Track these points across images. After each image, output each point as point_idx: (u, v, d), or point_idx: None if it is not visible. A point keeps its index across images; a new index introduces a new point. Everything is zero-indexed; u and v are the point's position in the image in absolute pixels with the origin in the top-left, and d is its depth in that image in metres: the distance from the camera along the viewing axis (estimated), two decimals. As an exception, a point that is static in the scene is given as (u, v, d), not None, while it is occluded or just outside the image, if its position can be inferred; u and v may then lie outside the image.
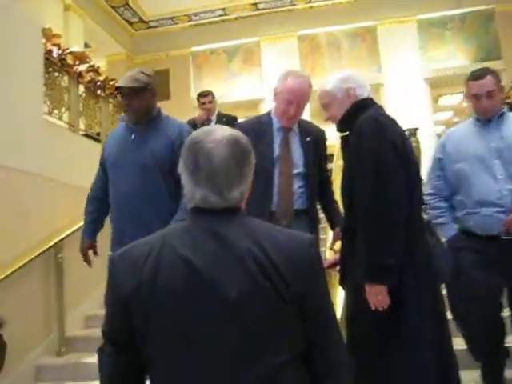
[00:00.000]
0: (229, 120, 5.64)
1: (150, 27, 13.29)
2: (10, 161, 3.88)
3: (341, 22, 12.59)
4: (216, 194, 1.20)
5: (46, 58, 4.57)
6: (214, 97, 6.02)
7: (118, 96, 5.87)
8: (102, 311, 5.02)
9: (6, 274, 3.67)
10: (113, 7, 12.10)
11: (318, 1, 12.72)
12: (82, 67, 5.02)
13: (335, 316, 1.24)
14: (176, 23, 13.23)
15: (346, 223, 2.48)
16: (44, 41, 4.54)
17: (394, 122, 2.41)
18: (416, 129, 9.49)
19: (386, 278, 2.15)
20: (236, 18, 13.15)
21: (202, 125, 5.22)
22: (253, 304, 1.09)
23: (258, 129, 2.94)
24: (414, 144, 9.75)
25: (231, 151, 1.21)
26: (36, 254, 4.03)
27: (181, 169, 1.27)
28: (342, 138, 2.59)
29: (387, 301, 2.17)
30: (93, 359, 4.03)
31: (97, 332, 4.38)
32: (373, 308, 2.19)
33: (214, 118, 5.18)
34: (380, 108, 2.56)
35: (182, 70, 13.21)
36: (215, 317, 1.10)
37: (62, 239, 4.37)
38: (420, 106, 11.45)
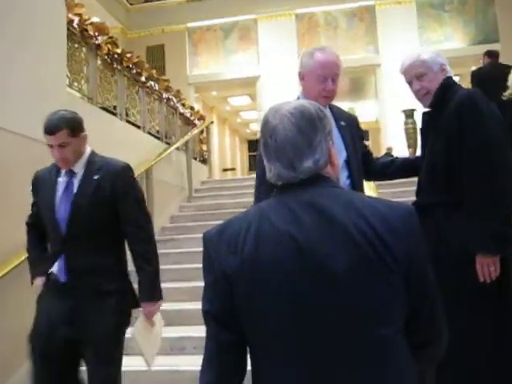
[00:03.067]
0: None
1: (146, 1, 13.12)
2: (33, 132, 3.81)
3: (339, 1, 12.50)
4: (287, 168, 1.19)
5: (67, 29, 4.46)
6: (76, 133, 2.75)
7: (133, 69, 5.82)
8: None
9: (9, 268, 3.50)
10: (108, -20, 11.93)
11: (317, -22, 12.60)
12: (101, 39, 4.91)
13: (436, 291, 1.22)
14: (172, -3, 13.07)
15: (435, 198, 2.43)
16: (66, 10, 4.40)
17: None
18: (413, 110, 9.52)
19: (504, 247, 2.19)
20: (233, -6, 13.00)
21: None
22: (362, 277, 1.08)
23: None
24: (410, 125, 9.87)
25: (295, 123, 1.19)
26: None
27: (260, 151, 1.28)
28: (425, 114, 2.58)
29: (498, 271, 2.20)
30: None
31: None
32: (481, 279, 2.20)
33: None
34: None
35: (177, 46, 13.09)
36: (324, 292, 1.09)
37: None
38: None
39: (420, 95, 2.54)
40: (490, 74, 6.33)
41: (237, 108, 17.12)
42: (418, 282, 1.14)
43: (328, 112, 2.75)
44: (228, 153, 17.81)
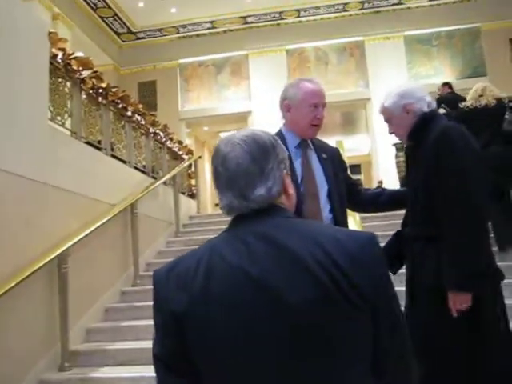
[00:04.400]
0: None
1: (138, 38, 13.30)
2: (12, 166, 3.76)
3: (329, 37, 12.70)
4: (239, 198, 1.13)
5: (51, 63, 4.43)
6: None
7: (119, 104, 5.82)
8: (104, 324, 4.83)
9: (11, 285, 3.53)
10: (101, 18, 12.11)
11: (307, 15, 12.82)
12: (86, 73, 4.90)
13: (404, 322, 1.14)
14: (164, 35, 13.26)
15: (415, 231, 2.42)
16: (49, 45, 4.40)
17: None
18: (403, 143, 9.53)
19: (477, 285, 2.16)
20: (224, 31, 13.20)
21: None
22: (320, 311, 1.01)
23: None
24: (401, 159, 9.87)
25: (247, 150, 1.14)
26: (40, 264, 3.84)
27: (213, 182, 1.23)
28: (408, 148, 2.60)
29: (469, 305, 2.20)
30: (98, 374, 3.95)
31: (100, 345, 4.36)
32: (454, 315, 2.17)
33: None
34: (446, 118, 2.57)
35: (169, 82, 13.22)
36: (282, 328, 1.01)
37: (67, 249, 4.21)
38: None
39: (396, 137, 2.62)
40: (451, 97, 7.57)
41: (229, 143, 17.14)
42: (383, 317, 1.07)
43: (310, 144, 2.71)
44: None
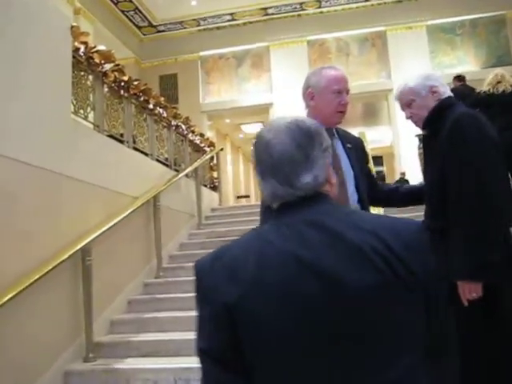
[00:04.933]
0: None
1: (158, 31, 13.33)
2: (36, 160, 3.81)
3: (350, 28, 12.58)
4: (284, 185, 1.10)
5: (73, 57, 4.48)
6: None
7: (141, 97, 5.85)
8: (127, 315, 4.87)
9: (35, 277, 3.59)
10: (122, 11, 12.16)
11: (328, 6, 12.71)
12: (108, 66, 4.93)
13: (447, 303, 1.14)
14: (184, 28, 13.26)
15: (431, 224, 2.36)
16: (72, 39, 4.44)
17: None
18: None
19: (491, 274, 2.13)
20: (245, 23, 13.16)
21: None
22: (379, 297, 0.98)
23: None
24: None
25: (292, 136, 1.11)
26: (65, 256, 3.90)
27: (254, 170, 1.18)
28: (424, 137, 2.55)
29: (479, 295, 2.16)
30: (121, 365, 3.98)
31: (124, 337, 4.41)
32: (465, 304, 2.15)
33: None
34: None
35: (190, 75, 13.22)
36: (338, 317, 0.98)
37: (91, 241, 4.26)
38: (430, 112, 11.39)
39: (413, 121, 2.53)
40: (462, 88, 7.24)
41: (250, 135, 17.15)
42: (435, 302, 1.06)
43: (335, 133, 2.67)
44: (242, 180, 17.82)
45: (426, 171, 2.56)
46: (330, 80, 2.52)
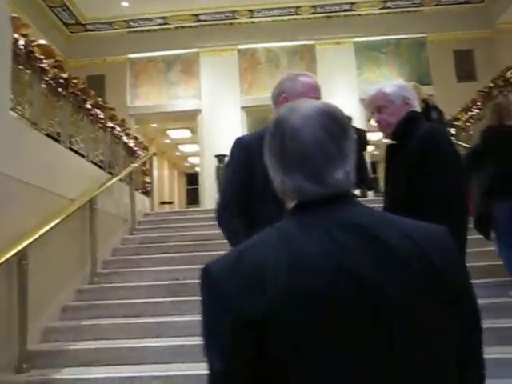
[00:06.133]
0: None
1: (86, 30, 12.92)
2: None
3: (281, 39, 12.78)
4: (312, 180, 0.97)
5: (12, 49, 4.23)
6: None
7: (79, 96, 5.63)
8: (63, 323, 4.57)
9: None
10: (49, 7, 11.70)
11: (260, 16, 12.86)
12: (48, 62, 4.69)
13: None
14: (114, 28, 12.94)
15: None
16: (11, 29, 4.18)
17: None
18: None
19: None
20: (176, 28, 13.04)
21: None
22: (419, 303, 0.92)
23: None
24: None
25: (324, 124, 0.99)
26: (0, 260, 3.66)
27: (267, 159, 1.04)
28: (391, 146, 2.61)
29: None
30: (59, 375, 3.77)
31: (60, 345, 4.15)
32: None
33: None
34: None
35: (118, 77, 12.89)
36: (379, 323, 0.91)
37: (27, 246, 3.99)
38: (356, 125, 11.76)
39: (380, 127, 2.58)
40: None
41: (176, 141, 16.99)
42: (469, 308, 1.02)
43: None
44: (166, 186, 17.58)
45: (388, 180, 2.63)
46: (306, 87, 2.54)
